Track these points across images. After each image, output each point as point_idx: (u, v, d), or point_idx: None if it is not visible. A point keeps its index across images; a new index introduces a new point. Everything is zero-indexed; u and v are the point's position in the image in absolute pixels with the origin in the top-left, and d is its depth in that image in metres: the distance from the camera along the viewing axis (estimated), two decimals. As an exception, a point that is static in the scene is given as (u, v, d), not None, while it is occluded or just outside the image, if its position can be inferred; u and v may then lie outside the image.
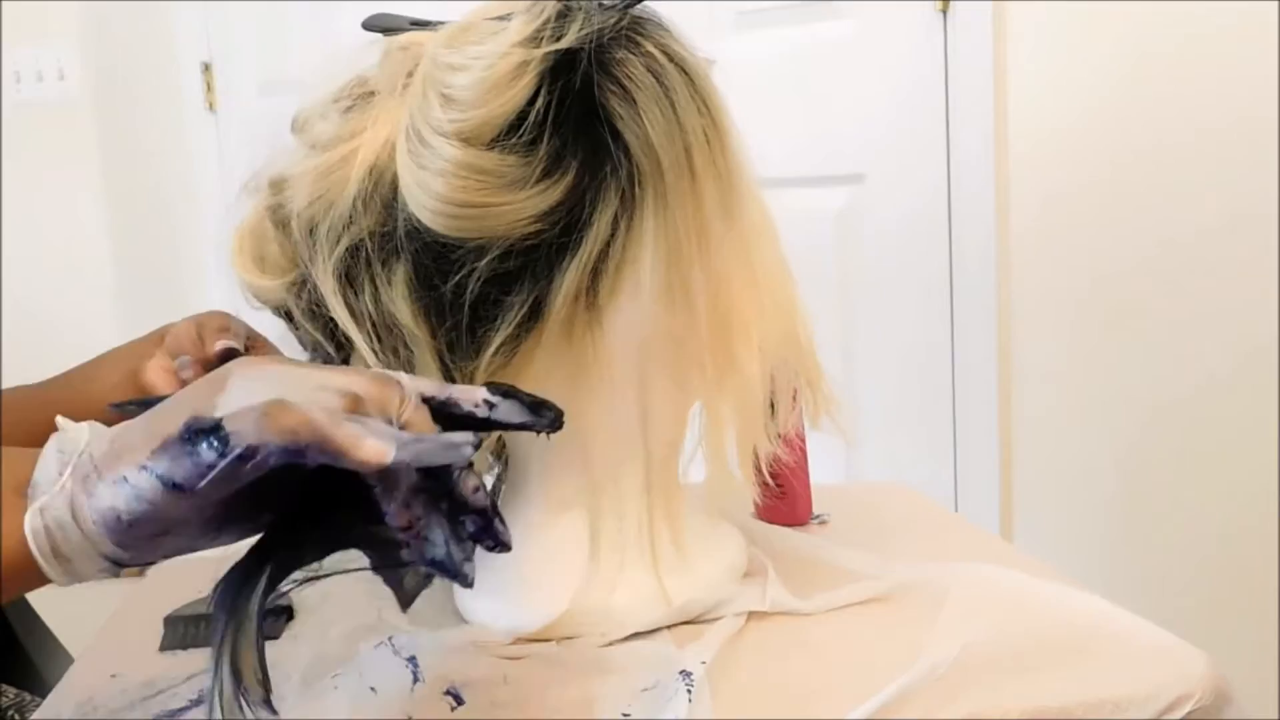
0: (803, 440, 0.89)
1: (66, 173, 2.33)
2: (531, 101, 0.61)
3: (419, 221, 0.62)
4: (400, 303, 0.63)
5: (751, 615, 0.70)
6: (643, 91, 0.63)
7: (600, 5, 0.64)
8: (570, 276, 0.62)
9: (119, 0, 2.37)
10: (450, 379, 0.64)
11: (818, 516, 0.92)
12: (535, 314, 0.63)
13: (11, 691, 0.85)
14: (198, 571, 0.73)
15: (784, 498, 0.88)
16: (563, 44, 0.61)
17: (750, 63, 1.77)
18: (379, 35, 0.70)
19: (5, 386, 0.89)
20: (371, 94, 0.67)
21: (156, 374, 0.84)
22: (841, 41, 1.85)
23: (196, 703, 0.66)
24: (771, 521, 0.86)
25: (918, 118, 1.81)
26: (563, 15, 0.62)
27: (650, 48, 0.65)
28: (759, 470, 0.70)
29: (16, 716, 0.77)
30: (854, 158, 1.88)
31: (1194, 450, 1.65)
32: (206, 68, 2.44)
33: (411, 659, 0.63)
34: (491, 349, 0.63)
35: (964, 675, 0.59)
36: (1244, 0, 1.53)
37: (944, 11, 1.77)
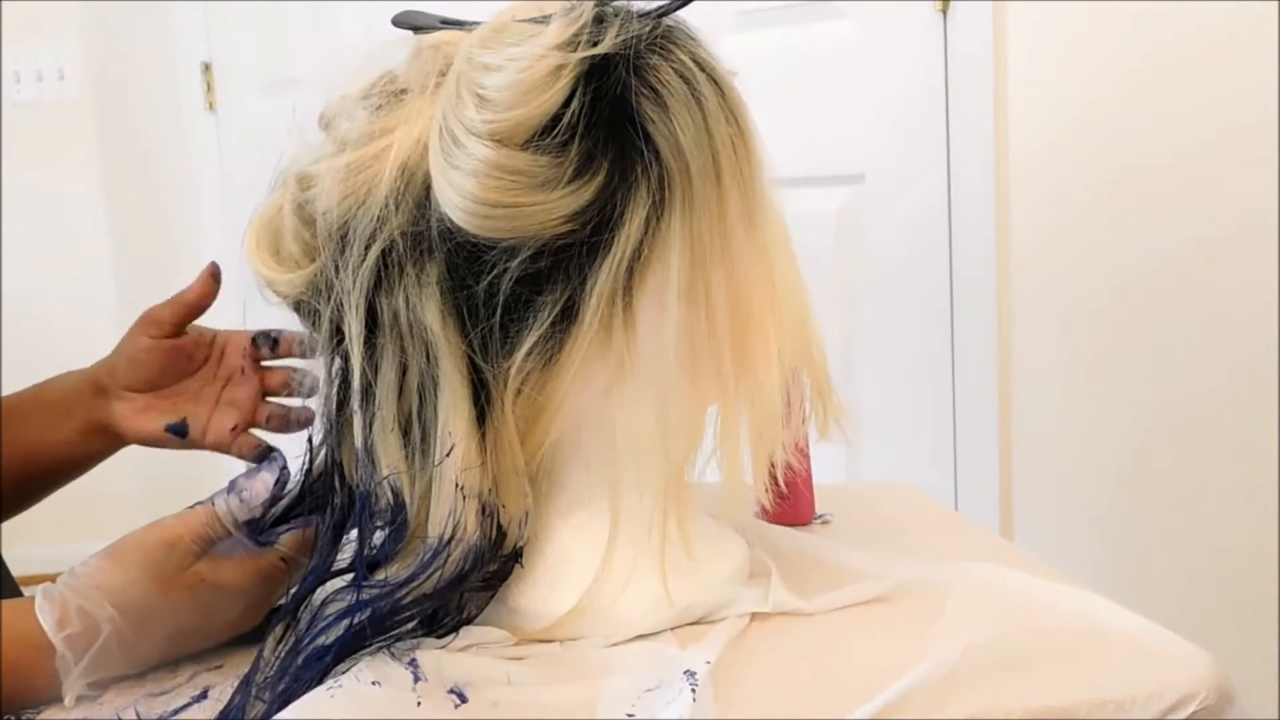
0: (806, 440, 0.89)
1: (66, 173, 2.33)
2: (565, 104, 0.62)
3: (451, 221, 0.62)
4: (430, 303, 0.64)
5: (755, 615, 0.70)
6: (674, 97, 0.64)
7: (635, 13, 0.64)
8: (603, 276, 0.63)
9: (119, 0, 2.37)
10: (479, 383, 0.64)
11: (820, 516, 0.92)
12: (568, 314, 0.63)
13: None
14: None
15: (787, 498, 0.88)
16: (599, 50, 0.62)
17: (750, 63, 1.76)
18: (405, 32, 0.70)
19: (5, 387, 0.89)
20: (402, 91, 0.67)
21: None
22: (841, 41, 1.85)
23: (199, 698, 0.66)
24: (775, 521, 0.86)
25: (918, 118, 1.81)
26: (600, 21, 0.63)
27: (682, 55, 0.65)
28: (774, 478, 0.71)
29: (15, 717, 0.77)
30: (854, 158, 1.87)
31: (1194, 450, 1.65)
32: (206, 68, 2.44)
33: (412, 661, 0.63)
34: (524, 349, 0.63)
35: (966, 675, 0.59)
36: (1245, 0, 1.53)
37: (944, 11, 1.77)
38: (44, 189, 2.29)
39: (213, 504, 0.69)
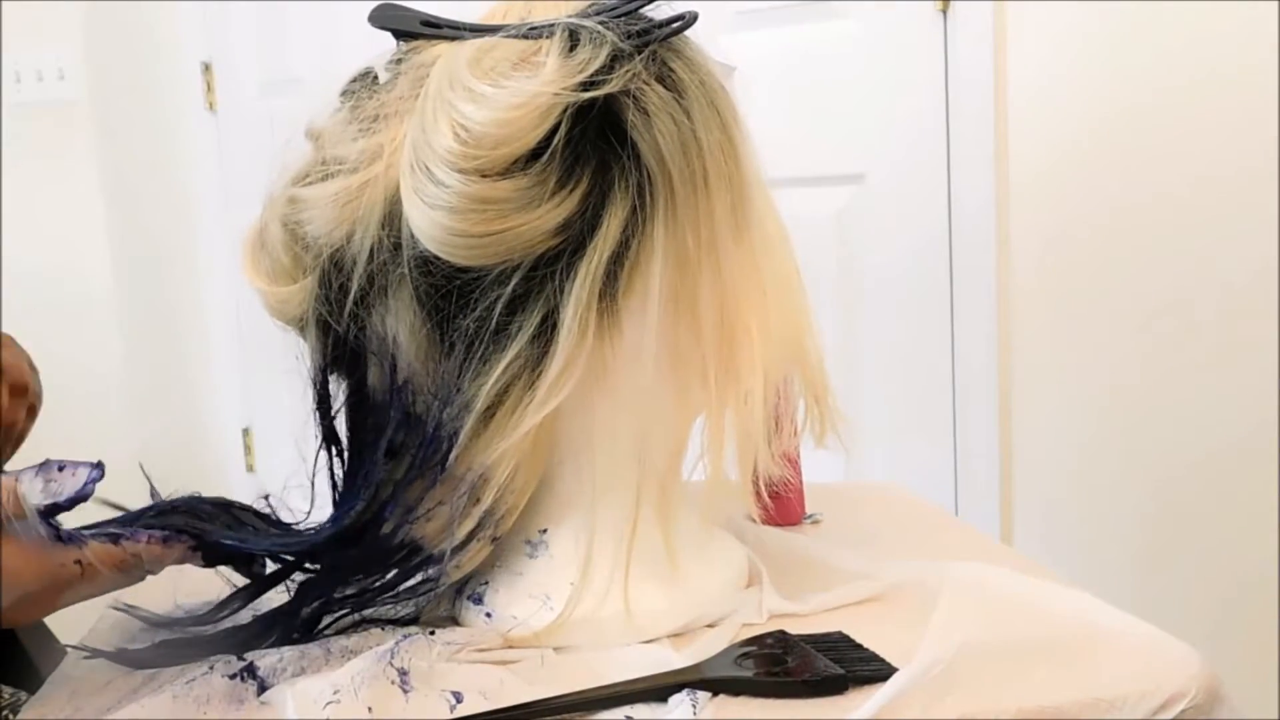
0: (797, 448, 0.88)
1: (66, 173, 2.33)
2: (552, 132, 0.60)
3: (429, 252, 0.62)
4: (415, 319, 0.64)
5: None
6: (659, 103, 0.63)
7: (627, 33, 0.63)
8: (581, 280, 0.62)
9: (119, 0, 2.37)
10: (455, 389, 0.64)
11: (810, 516, 0.92)
12: (550, 322, 0.63)
13: (8, 691, 0.85)
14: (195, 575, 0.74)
15: (777, 498, 0.88)
16: (600, 92, 0.61)
17: (750, 63, 1.76)
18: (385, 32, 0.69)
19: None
20: (385, 105, 0.65)
21: None
22: (841, 41, 1.85)
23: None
24: (764, 522, 0.86)
25: (918, 118, 1.81)
26: (604, 68, 0.61)
27: (671, 61, 0.65)
28: (758, 489, 0.70)
29: (11, 716, 0.77)
30: (854, 158, 1.87)
31: (1194, 449, 1.65)
32: (206, 68, 2.44)
33: (402, 672, 0.63)
34: (506, 360, 0.63)
35: (958, 675, 0.59)
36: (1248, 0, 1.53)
37: (944, 11, 1.77)
38: (44, 189, 2.29)
39: (16, 480, 0.63)
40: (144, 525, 0.67)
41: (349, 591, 0.69)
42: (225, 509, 0.70)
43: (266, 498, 0.71)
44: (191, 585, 0.74)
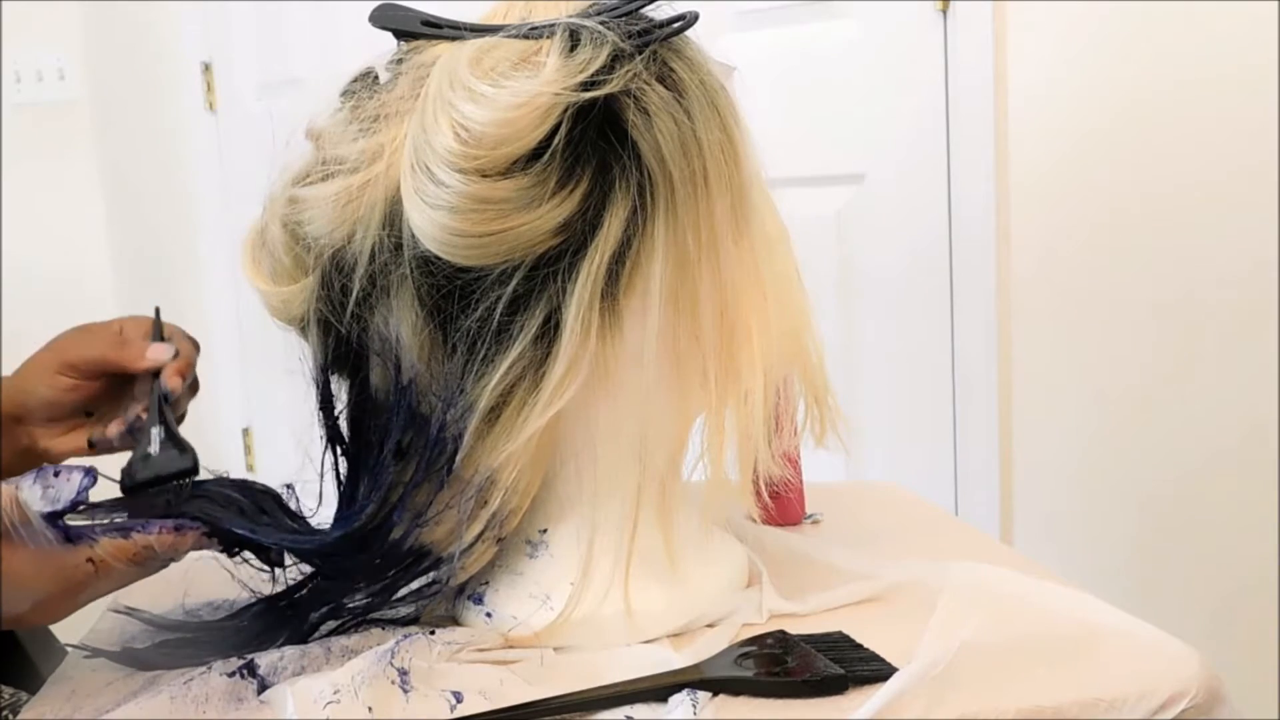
0: (797, 448, 0.88)
1: (66, 173, 2.33)
2: (552, 132, 0.60)
3: (430, 252, 0.62)
4: (415, 324, 0.64)
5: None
6: (659, 102, 0.63)
7: (628, 33, 0.63)
8: (583, 280, 0.62)
9: (119, 0, 2.37)
10: (458, 390, 0.64)
11: (810, 516, 0.92)
12: (552, 323, 0.63)
13: (8, 691, 0.85)
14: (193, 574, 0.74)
15: (777, 498, 0.88)
16: (601, 92, 0.61)
17: (750, 63, 1.76)
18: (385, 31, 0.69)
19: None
20: (385, 105, 0.65)
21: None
22: (841, 41, 1.85)
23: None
24: (764, 522, 0.86)
25: (918, 118, 1.81)
26: (605, 68, 0.61)
27: (672, 61, 0.65)
28: (758, 489, 0.70)
29: (11, 716, 0.77)
30: (854, 158, 1.88)
31: (1195, 448, 1.65)
32: (206, 68, 2.44)
33: (402, 673, 0.63)
34: (509, 360, 0.63)
35: (959, 675, 0.59)
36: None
37: (944, 11, 1.77)
38: (44, 189, 2.30)
39: (16, 488, 0.63)
40: (156, 515, 0.67)
41: (358, 601, 0.69)
42: (246, 493, 0.70)
43: (290, 487, 0.71)
44: (197, 587, 0.74)
